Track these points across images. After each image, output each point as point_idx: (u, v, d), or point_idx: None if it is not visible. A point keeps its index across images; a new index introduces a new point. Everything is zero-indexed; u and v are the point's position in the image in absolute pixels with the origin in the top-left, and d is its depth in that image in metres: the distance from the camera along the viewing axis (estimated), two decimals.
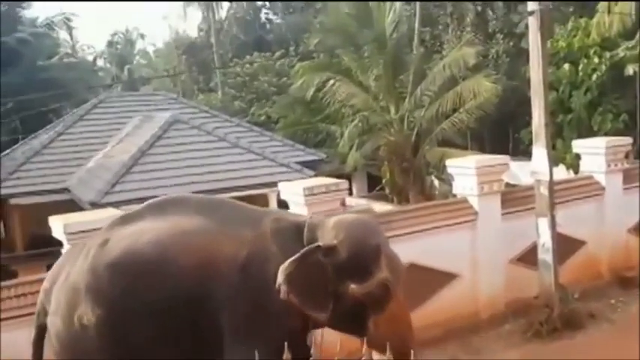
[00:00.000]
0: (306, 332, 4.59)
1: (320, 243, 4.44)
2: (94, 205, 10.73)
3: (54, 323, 4.67)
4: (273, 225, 4.65)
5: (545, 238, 8.05)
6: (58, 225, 6.03)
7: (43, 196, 13.86)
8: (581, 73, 14.77)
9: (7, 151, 18.99)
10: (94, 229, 5.32)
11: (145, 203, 4.99)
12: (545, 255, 8.06)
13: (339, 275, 4.38)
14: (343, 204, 7.69)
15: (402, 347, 4.18)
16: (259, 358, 3.94)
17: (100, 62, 45.54)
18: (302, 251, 4.35)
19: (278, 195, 8.38)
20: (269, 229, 4.62)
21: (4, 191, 14.14)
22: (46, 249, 10.00)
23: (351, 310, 4.39)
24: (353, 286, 4.36)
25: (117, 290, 4.45)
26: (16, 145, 19.08)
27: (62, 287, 4.67)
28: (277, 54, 29.69)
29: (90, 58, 43.59)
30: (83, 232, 5.71)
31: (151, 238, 4.56)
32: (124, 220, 4.84)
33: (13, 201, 14.35)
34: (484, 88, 15.78)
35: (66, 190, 13.84)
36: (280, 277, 4.26)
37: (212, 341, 4.48)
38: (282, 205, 8.18)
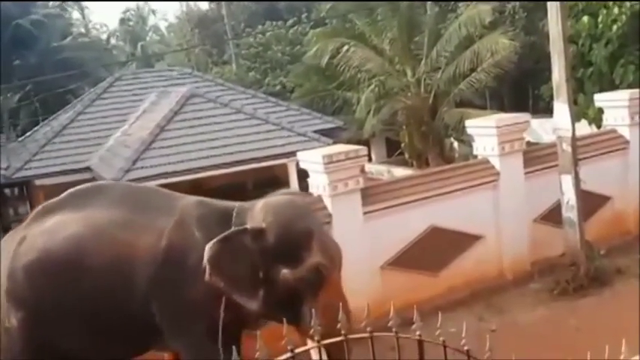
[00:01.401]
0: (240, 326, 4.35)
1: (248, 226, 4.23)
2: None
3: None
4: (197, 211, 4.47)
5: (570, 196, 7.96)
6: None
7: (66, 175, 14.01)
8: (600, 25, 14.36)
9: (29, 133, 19.20)
10: None
11: (67, 192, 4.79)
12: (570, 212, 7.98)
13: (269, 260, 4.18)
14: (363, 170, 7.66)
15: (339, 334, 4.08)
16: (193, 352, 3.87)
17: (113, 40, 45.41)
18: (228, 232, 4.16)
19: (297, 164, 8.37)
20: (193, 215, 4.43)
21: (28, 173, 14.34)
22: None
23: (285, 297, 4.17)
24: (285, 271, 4.16)
25: (34, 293, 4.33)
26: (37, 127, 19.26)
27: None
28: (289, 22, 29.38)
29: (103, 36, 43.46)
30: None
31: (67, 233, 4.39)
32: (44, 212, 4.67)
33: (37, 182, 14.54)
34: (501, 45, 15.48)
35: (88, 169, 13.98)
36: (205, 257, 4.06)
37: (148, 332, 4.34)
38: (302, 174, 8.18)
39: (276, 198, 4.63)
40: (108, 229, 4.41)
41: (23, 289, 4.39)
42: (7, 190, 17.05)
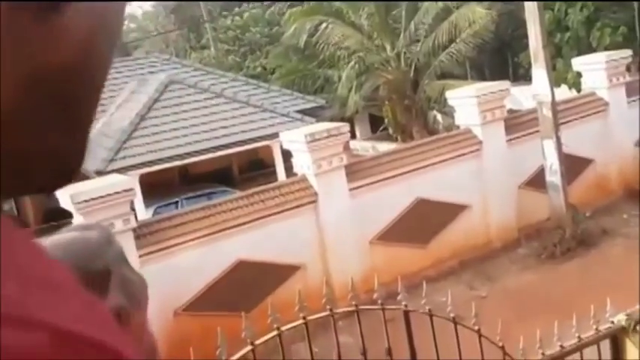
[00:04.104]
0: None
1: None
2: (100, 174, 10.74)
3: None
4: None
5: (552, 160, 8.03)
6: (65, 196, 6.06)
7: None
8: None
9: None
10: (101, 197, 5.33)
11: None
12: (554, 177, 8.05)
13: None
14: (347, 148, 7.67)
15: None
16: None
17: None
18: None
19: (281, 145, 8.36)
20: None
21: None
22: (61, 221, 10.08)
23: None
24: None
25: None
26: None
27: None
28: (266, 3, 29.12)
29: None
30: (92, 199, 5.75)
31: None
32: None
33: None
34: (479, 15, 15.45)
35: None
36: None
37: None
38: (287, 154, 8.17)
39: (61, 238, 4.51)
40: None
41: None
42: None
